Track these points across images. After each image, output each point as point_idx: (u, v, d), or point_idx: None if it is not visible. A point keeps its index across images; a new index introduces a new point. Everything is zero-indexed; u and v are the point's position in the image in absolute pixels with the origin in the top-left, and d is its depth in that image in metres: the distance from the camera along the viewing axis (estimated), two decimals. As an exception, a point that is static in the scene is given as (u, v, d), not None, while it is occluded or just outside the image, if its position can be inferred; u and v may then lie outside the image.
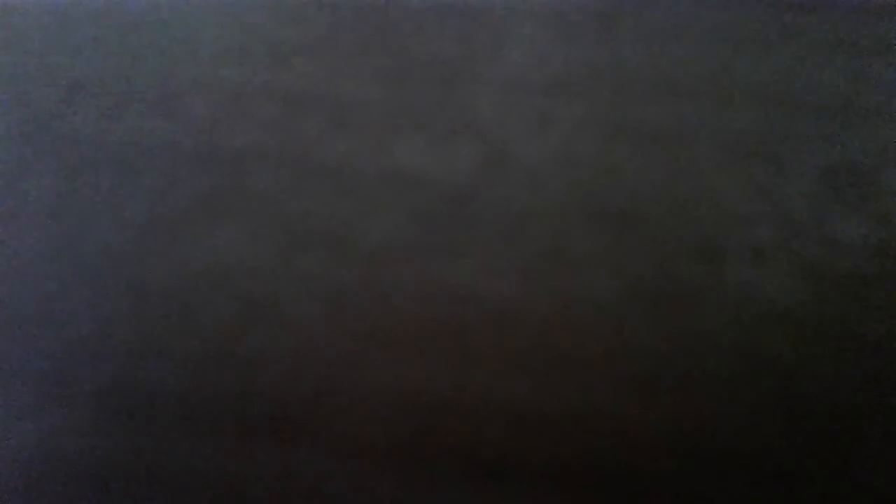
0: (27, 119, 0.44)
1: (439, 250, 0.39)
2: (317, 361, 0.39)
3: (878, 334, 0.34)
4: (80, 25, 0.44)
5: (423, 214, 0.39)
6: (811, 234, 0.35)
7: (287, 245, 0.40)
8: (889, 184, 0.35)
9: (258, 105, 0.41)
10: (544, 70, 0.39)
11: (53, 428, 0.40)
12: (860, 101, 0.36)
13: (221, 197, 0.41)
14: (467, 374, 0.38)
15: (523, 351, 0.37)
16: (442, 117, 0.40)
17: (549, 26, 0.40)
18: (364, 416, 0.38)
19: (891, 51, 0.37)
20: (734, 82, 0.38)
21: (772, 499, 0.35)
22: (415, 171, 0.39)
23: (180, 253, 0.41)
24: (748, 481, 0.35)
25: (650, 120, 0.38)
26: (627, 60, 0.39)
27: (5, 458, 0.40)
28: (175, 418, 0.40)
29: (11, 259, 0.43)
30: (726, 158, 0.37)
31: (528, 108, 0.39)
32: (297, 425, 0.39)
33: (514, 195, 0.38)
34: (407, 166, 0.39)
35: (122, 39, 0.44)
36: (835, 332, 0.35)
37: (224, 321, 0.40)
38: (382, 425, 0.38)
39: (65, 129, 0.44)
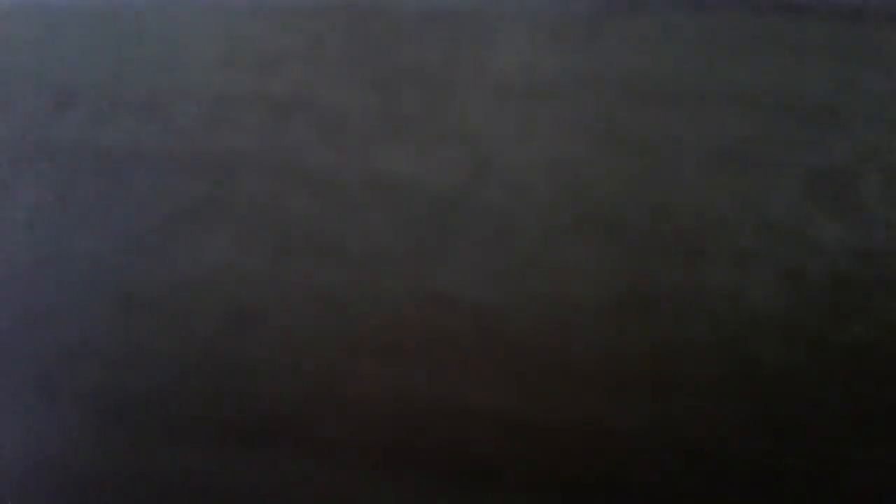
0: (15, 126, 0.44)
1: (427, 257, 0.39)
2: (304, 368, 0.40)
3: (859, 337, 0.35)
4: (68, 32, 0.44)
5: (411, 221, 0.39)
6: (793, 239, 0.36)
7: (275, 252, 0.40)
8: (870, 189, 0.35)
9: (246, 112, 0.41)
10: (531, 76, 0.39)
11: (41, 433, 0.40)
12: (843, 107, 0.36)
13: (210, 204, 0.41)
14: (454, 380, 0.38)
15: (510, 357, 0.38)
16: (429, 124, 0.40)
17: (536, 32, 0.40)
18: (351, 422, 0.38)
19: (874, 56, 0.37)
20: (718, 88, 0.38)
21: (757, 502, 0.35)
22: (402, 177, 0.40)
23: (168, 260, 0.41)
24: (734, 486, 0.35)
25: (636, 126, 0.38)
26: (614, 66, 0.39)
27: (-5, 465, 0.40)
28: (163, 424, 0.40)
29: None
30: (710, 164, 0.37)
31: (515, 114, 0.39)
32: (284, 431, 0.39)
33: (501, 202, 0.39)
34: (394, 173, 0.40)
35: (110, 46, 0.44)
36: (817, 335, 0.35)
37: (212, 328, 0.41)
38: (370, 431, 0.38)
39: (53, 136, 0.44)
